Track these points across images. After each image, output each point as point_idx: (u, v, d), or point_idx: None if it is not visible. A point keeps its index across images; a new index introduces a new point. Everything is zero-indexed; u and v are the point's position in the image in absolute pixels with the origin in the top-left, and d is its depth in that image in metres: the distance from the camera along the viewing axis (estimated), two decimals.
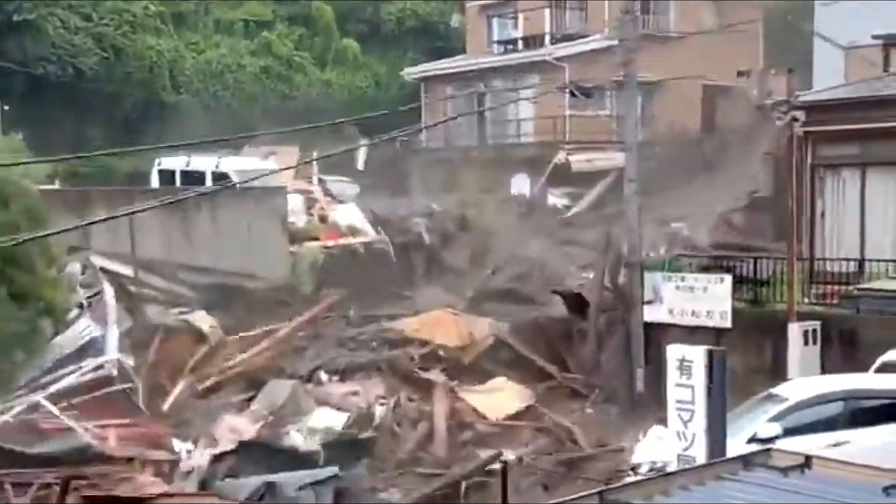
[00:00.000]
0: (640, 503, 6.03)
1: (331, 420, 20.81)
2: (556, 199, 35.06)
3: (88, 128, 38.00)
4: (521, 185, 36.16)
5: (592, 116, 34.82)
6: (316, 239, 29.11)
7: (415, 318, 24.39)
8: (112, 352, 21.87)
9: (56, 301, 22.56)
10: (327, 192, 32.31)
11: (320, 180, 34.28)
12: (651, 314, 21.32)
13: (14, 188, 21.66)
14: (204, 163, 31.04)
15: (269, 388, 22.09)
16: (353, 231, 29.85)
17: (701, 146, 36.37)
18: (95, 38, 38.33)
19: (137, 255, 26.06)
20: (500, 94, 38.20)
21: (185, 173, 30.66)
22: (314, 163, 33.16)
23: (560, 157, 34.88)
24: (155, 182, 31.90)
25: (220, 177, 30.36)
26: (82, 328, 22.25)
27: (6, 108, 33.05)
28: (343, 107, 43.03)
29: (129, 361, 21.96)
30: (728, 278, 20.52)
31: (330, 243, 28.97)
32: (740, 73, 27.63)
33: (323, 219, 30.31)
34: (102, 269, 24.33)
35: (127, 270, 25.16)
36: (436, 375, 22.22)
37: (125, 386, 21.40)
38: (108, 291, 23.43)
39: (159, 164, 32.20)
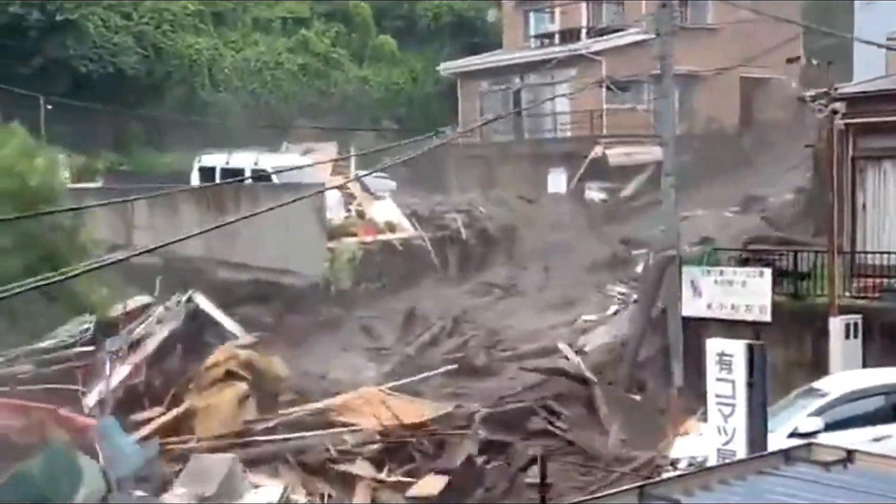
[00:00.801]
0: (679, 498, 6.02)
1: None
2: (593, 193, 34.97)
3: (129, 125, 38.42)
4: (557, 179, 36.09)
5: (629, 110, 34.67)
6: (353, 235, 29.22)
7: (337, 399, 20.89)
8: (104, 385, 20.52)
9: (92, 300, 22.84)
10: (365, 188, 32.38)
11: (357, 176, 34.37)
12: (689, 308, 21.22)
13: (40, 188, 22.08)
14: (243, 160, 31.27)
15: (196, 465, 18.45)
16: (391, 227, 29.92)
17: (739, 140, 36.15)
18: (136, 36, 38.72)
19: (179, 253, 26.21)
20: (537, 88, 38.14)
21: (224, 170, 30.89)
22: (352, 159, 33.29)
23: (597, 151, 34.78)
24: (195, 179, 32.17)
25: (259, 174, 30.60)
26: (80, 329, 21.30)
27: (49, 106, 33.44)
28: (380, 103, 43.19)
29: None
30: (768, 272, 20.35)
31: (368, 239, 29.06)
32: (790, 61, 27.30)
33: (360, 215, 30.42)
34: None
35: (220, 318, 23.32)
36: (362, 468, 18.68)
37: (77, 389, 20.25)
38: (156, 336, 22.02)
39: (200, 162, 32.49)
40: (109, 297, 23.08)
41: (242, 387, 20.70)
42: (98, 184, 32.01)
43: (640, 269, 25.35)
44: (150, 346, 21.82)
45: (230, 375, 20.77)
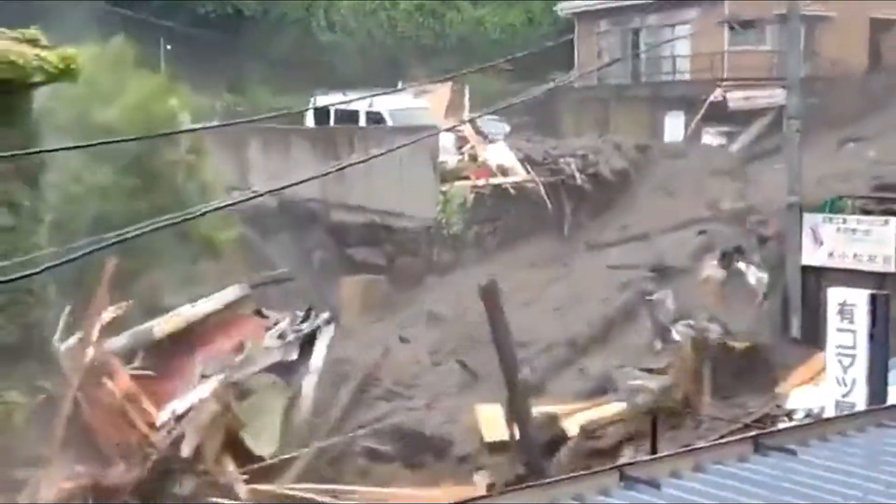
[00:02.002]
0: (795, 448, 5.83)
1: None
2: (711, 138, 34.13)
3: (246, 66, 38.93)
4: (675, 124, 35.30)
5: (752, 52, 33.63)
6: (466, 178, 29.10)
7: None
8: None
9: (215, 240, 23.36)
10: (478, 131, 32.20)
11: (471, 119, 34.19)
12: (809, 258, 20.62)
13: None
14: (358, 102, 31.35)
15: None
16: (503, 170, 29.70)
17: (867, 83, 34.75)
18: None
19: (294, 195, 26.41)
20: (656, 29, 37.25)
21: (339, 112, 31.06)
22: (466, 101, 33.12)
23: (716, 94, 33.87)
24: (310, 120, 32.45)
25: (373, 115, 30.68)
26: None
27: (169, 46, 34.07)
28: (495, 44, 42.78)
29: None
30: (893, 220, 19.64)
31: (480, 182, 28.92)
32: None
33: (473, 158, 30.25)
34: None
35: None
36: None
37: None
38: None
39: (314, 103, 32.69)
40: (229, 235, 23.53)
41: None
42: (214, 123, 32.53)
43: (665, 306, 21.88)
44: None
45: None
